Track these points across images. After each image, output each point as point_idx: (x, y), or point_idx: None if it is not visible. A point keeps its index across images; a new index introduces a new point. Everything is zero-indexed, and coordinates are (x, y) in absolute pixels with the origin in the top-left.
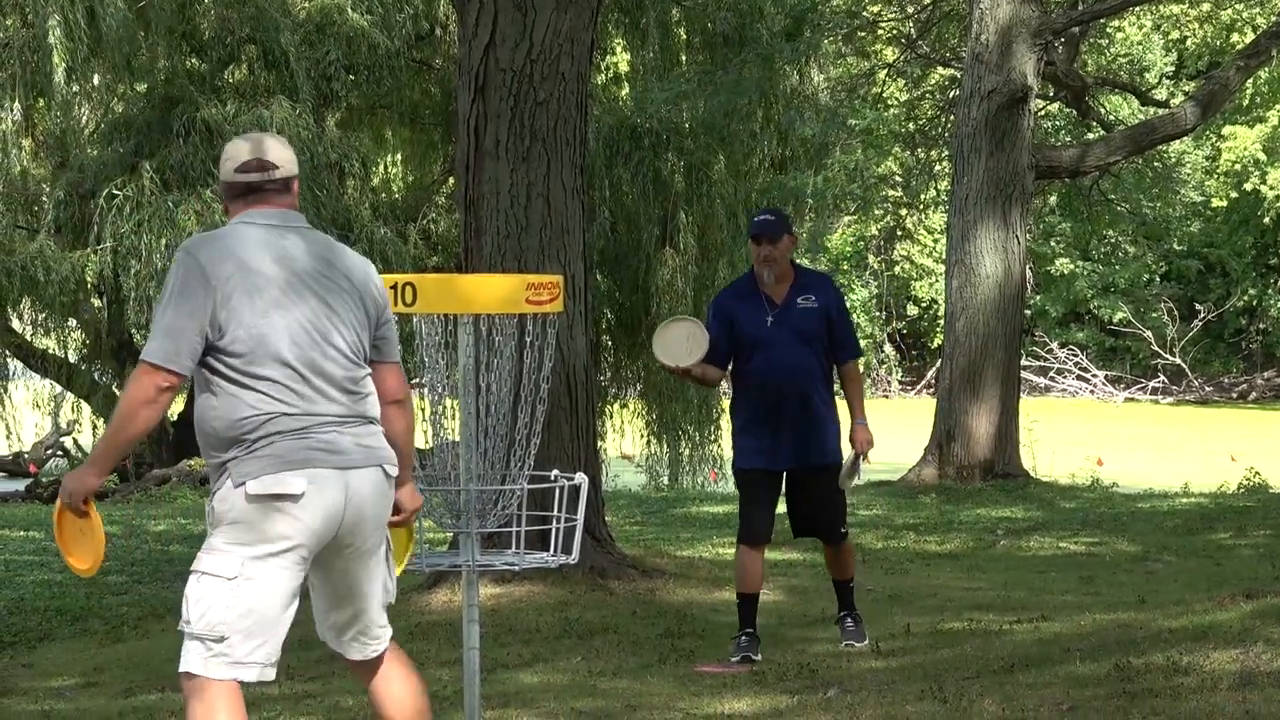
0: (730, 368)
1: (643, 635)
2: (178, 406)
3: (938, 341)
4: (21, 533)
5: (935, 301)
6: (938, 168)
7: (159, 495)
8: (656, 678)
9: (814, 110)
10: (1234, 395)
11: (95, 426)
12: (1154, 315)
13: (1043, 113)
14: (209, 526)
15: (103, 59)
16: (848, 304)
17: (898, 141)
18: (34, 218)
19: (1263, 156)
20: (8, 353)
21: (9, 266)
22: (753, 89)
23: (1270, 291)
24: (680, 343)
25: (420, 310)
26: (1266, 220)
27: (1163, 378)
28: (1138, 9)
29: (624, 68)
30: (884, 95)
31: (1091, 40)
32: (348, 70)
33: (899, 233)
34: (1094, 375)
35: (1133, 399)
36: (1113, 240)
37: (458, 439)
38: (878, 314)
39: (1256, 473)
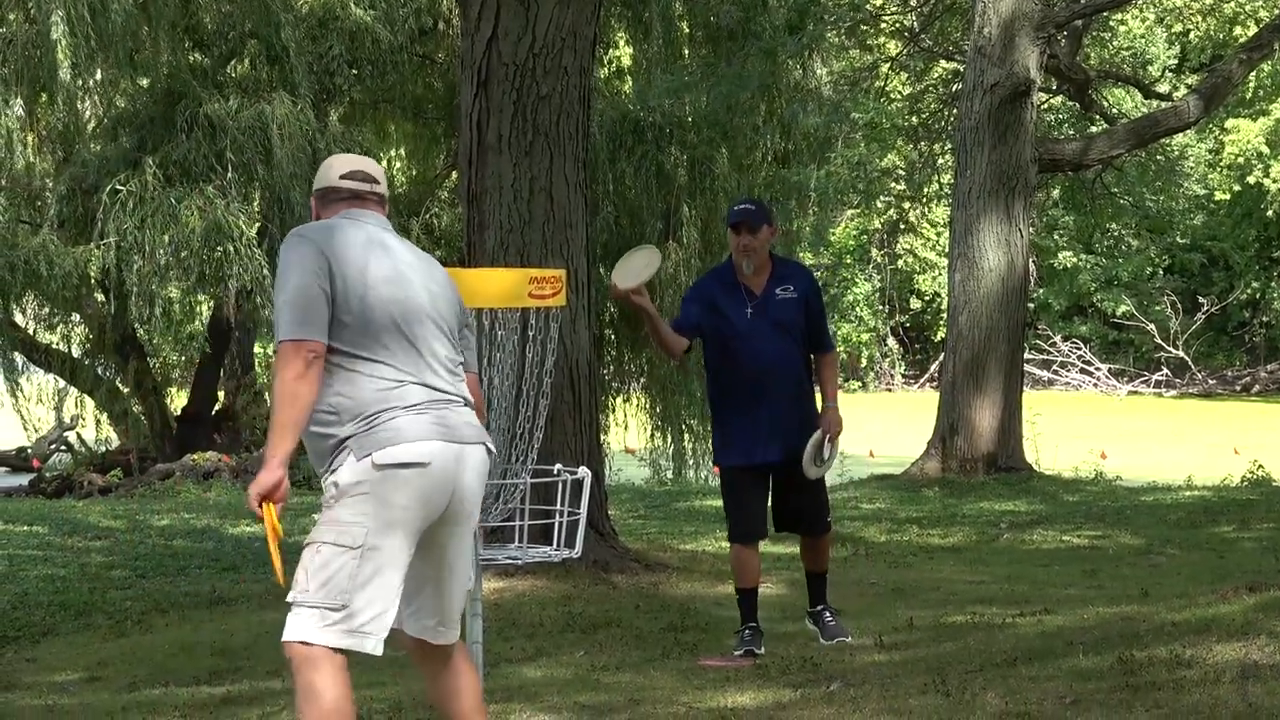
0: (707, 360)
1: (646, 629)
2: (180, 402)
3: (941, 335)
4: (25, 527)
5: (938, 295)
6: (941, 161)
7: (162, 490)
8: (660, 672)
9: (817, 104)
10: (1237, 388)
11: (99, 421)
12: (1157, 308)
13: (1046, 106)
14: (327, 504)
15: (106, 54)
16: (851, 298)
17: (901, 135)
18: (37, 212)
19: (1266, 149)
20: (11, 347)
21: (12, 261)
22: (755, 82)
23: (1273, 284)
24: (638, 270)
25: None
26: (1269, 213)
27: (1166, 371)
28: (1140, 2)
29: (627, 61)
30: (887, 89)
31: (1094, 33)
32: (350, 65)
33: (902, 226)
34: (1097, 368)
35: (1136, 392)
36: (1116, 233)
37: None
38: (881, 308)
39: (1260, 466)
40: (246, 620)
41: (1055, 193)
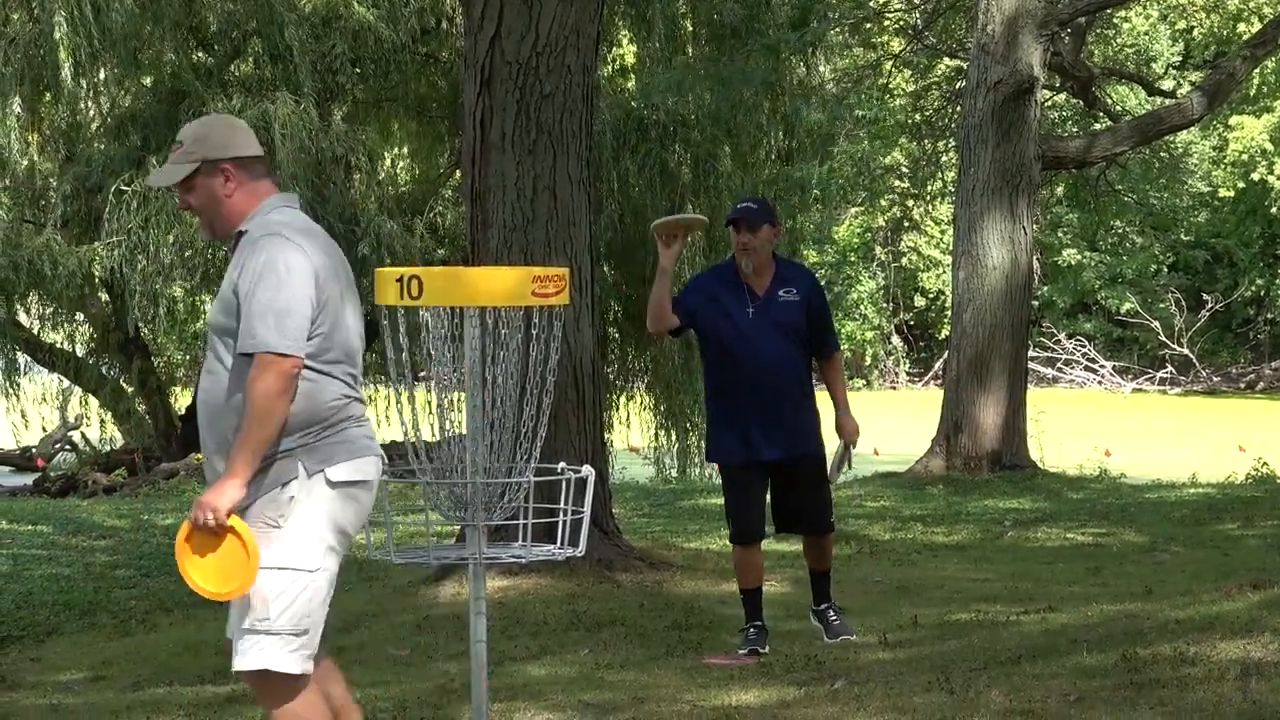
0: (706, 358)
1: (650, 627)
2: (184, 401)
3: (945, 333)
4: (30, 527)
5: (942, 293)
6: (944, 159)
7: (167, 489)
8: (664, 670)
9: (820, 101)
10: (1242, 385)
11: (103, 420)
12: (1161, 306)
13: (1049, 103)
14: (275, 521)
15: (109, 53)
16: (855, 296)
17: (904, 132)
18: (41, 212)
19: (1270, 146)
20: (15, 347)
21: (16, 261)
22: (758, 79)
23: (1278, 281)
24: (683, 220)
25: (426, 303)
26: (1274, 210)
27: (1170, 368)
28: None
29: (630, 60)
30: (890, 86)
31: (1098, 30)
32: (354, 64)
33: (906, 224)
34: (1101, 366)
35: (1140, 389)
36: (1120, 231)
37: (464, 432)
38: (885, 305)
39: (1264, 463)
40: None
41: (1059, 190)
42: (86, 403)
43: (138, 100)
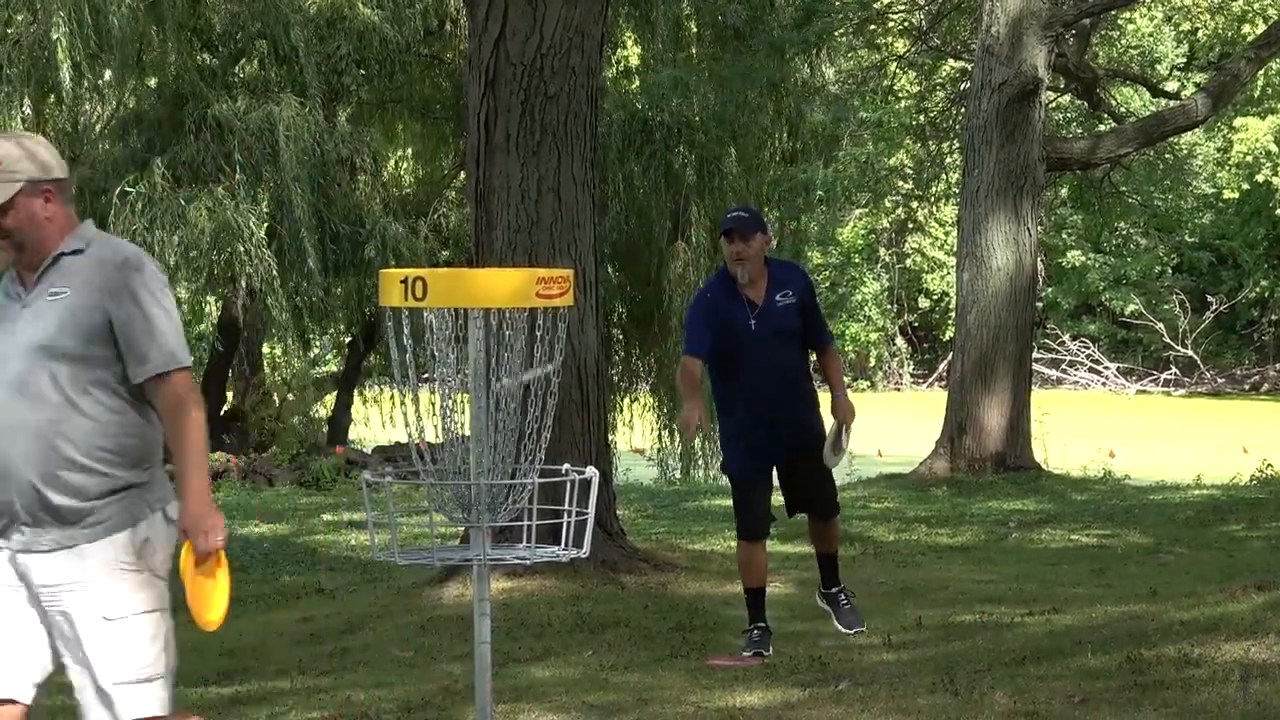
0: (711, 367)
1: (654, 629)
2: None
3: (949, 334)
4: None
5: (946, 294)
6: (949, 160)
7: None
8: (668, 671)
9: (824, 102)
10: (1246, 387)
11: None
12: (1166, 307)
13: (1054, 105)
14: (130, 565)
15: (111, 55)
16: (859, 298)
17: (908, 134)
18: None
19: (1274, 148)
20: None
21: None
22: (762, 79)
23: None
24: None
25: (431, 304)
26: (1278, 212)
27: (1175, 370)
28: (1148, 0)
29: (634, 61)
30: (895, 87)
31: (1102, 32)
32: (358, 65)
33: (910, 225)
34: (1106, 367)
35: (1144, 391)
36: (1124, 232)
37: (468, 433)
38: (889, 307)
39: (1269, 464)
40: (255, 620)
41: (1064, 191)
42: None
43: (142, 102)
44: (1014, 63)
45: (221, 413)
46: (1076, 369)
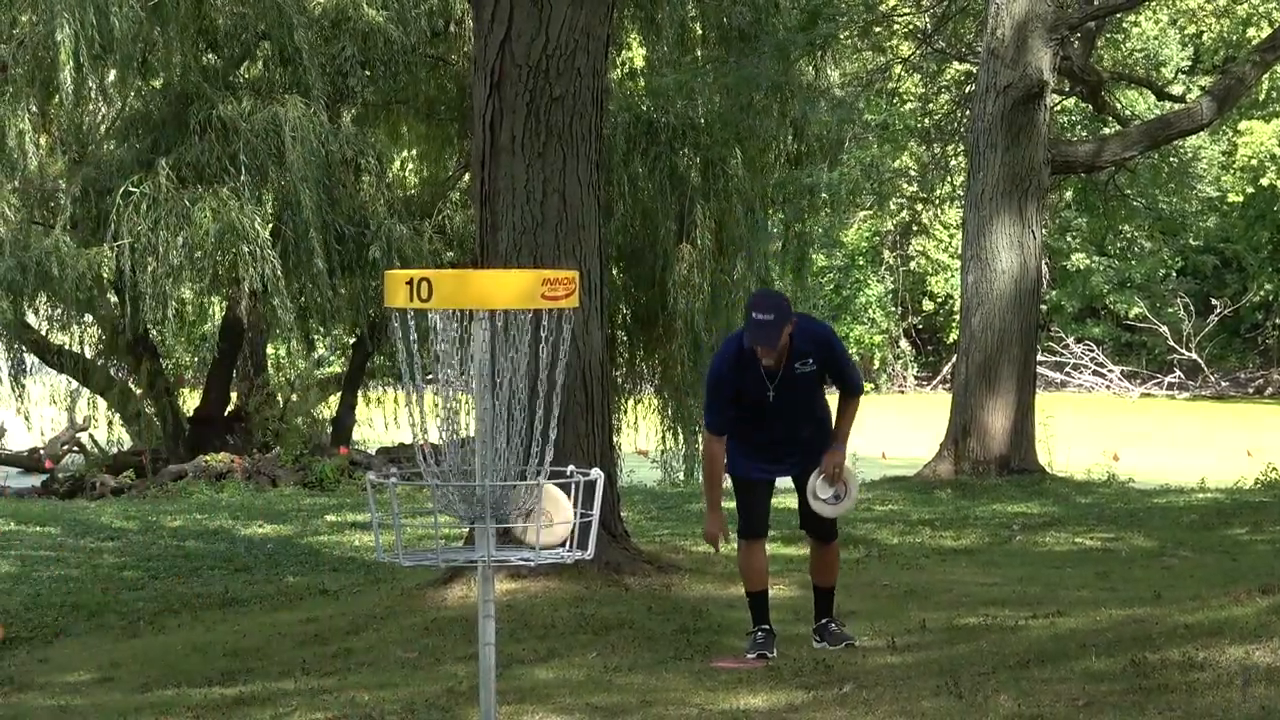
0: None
1: (658, 631)
2: (192, 403)
3: (953, 337)
4: (38, 528)
5: (951, 297)
6: (953, 163)
7: (175, 491)
8: (672, 673)
9: (828, 104)
10: (1250, 390)
11: (111, 422)
12: (1170, 310)
13: (1059, 108)
14: None
15: (116, 55)
16: (864, 300)
17: (913, 136)
18: (50, 213)
19: (1279, 152)
20: (24, 348)
21: (25, 262)
22: (767, 81)
23: None
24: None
25: (436, 306)
26: None
27: (1179, 373)
28: (1154, 3)
29: (639, 63)
30: (899, 90)
31: (1107, 35)
32: (363, 66)
33: (914, 228)
34: (1110, 370)
35: (1149, 394)
36: (1129, 235)
37: (473, 435)
38: (893, 309)
39: (1273, 468)
40: (259, 621)
41: (1068, 194)
42: (95, 404)
43: (147, 103)
44: (1019, 65)
45: (225, 413)
46: (1081, 372)
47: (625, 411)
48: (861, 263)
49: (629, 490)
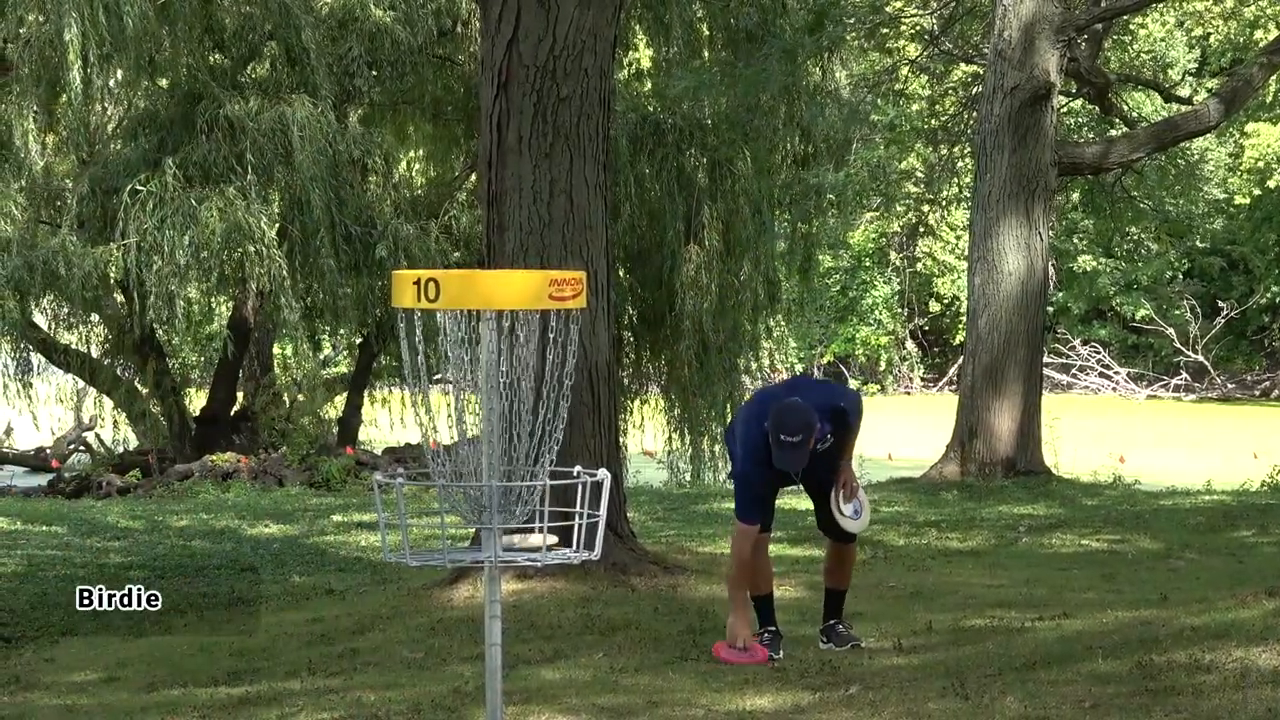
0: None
1: (664, 632)
2: (198, 402)
3: (960, 338)
4: (44, 527)
5: (957, 298)
6: (960, 164)
7: (181, 490)
8: (678, 674)
9: (836, 105)
10: (1257, 393)
11: (117, 421)
12: (1176, 312)
13: (1065, 109)
14: None
15: (124, 55)
16: (870, 301)
17: (920, 138)
18: (57, 213)
19: None
20: (30, 348)
21: (31, 261)
22: (774, 84)
23: None
24: None
25: (443, 306)
26: None
27: (1185, 375)
28: (1161, 5)
29: (646, 63)
30: (906, 91)
31: (1115, 37)
32: (370, 66)
33: (921, 229)
34: (1116, 372)
35: (1155, 396)
36: (1135, 237)
37: (480, 435)
38: (899, 310)
39: (1279, 470)
40: (265, 621)
41: (1075, 196)
42: (101, 404)
43: (154, 102)
44: (1026, 67)
45: (232, 413)
46: (1087, 374)
47: (631, 412)
48: (868, 264)
49: (635, 491)
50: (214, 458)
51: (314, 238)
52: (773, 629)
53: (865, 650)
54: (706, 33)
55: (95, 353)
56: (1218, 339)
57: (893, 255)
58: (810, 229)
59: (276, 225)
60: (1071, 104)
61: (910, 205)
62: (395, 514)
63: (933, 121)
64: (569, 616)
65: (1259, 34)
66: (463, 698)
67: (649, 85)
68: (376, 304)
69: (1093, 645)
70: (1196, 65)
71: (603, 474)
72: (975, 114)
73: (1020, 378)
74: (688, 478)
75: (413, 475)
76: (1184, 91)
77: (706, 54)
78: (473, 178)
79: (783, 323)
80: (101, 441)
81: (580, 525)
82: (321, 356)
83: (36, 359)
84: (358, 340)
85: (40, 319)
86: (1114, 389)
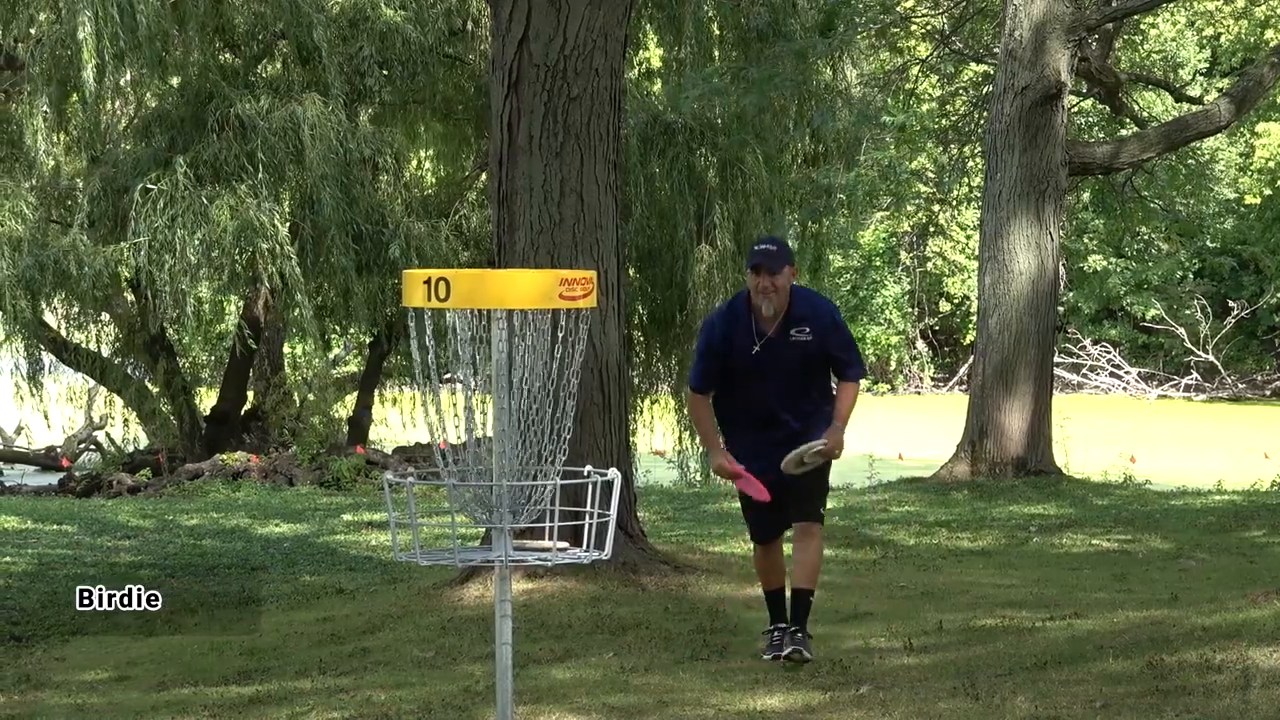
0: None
1: (675, 631)
2: (209, 401)
3: (970, 338)
4: (54, 526)
5: (968, 298)
6: (971, 164)
7: (191, 489)
8: (689, 673)
9: (847, 105)
10: (1267, 393)
11: (127, 420)
12: (1187, 312)
13: (1076, 109)
14: None
15: (137, 54)
16: (880, 301)
17: (931, 137)
18: (67, 212)
19: None
20: (41, 347)
21: (42, 260)
22: (786, 84)
23: None
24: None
25: (454, 305)
26: None
27: (1196, 375)
28: (1171, 5)
29: (657, 63)
30: (917, 91)
31: (1125, 36)
32: (381, 65)
33: (931, 229)
34: (1127, 372)
35: (1165, 396)
36: (1146, 237)
37: (490, 434)
38: (910, 310)
39: None
40: (275, 620)
41: (1085, 196)
42: (111, 403)
43: (165, 101)
44: (1037, 67)
45: (242, 412)
46: (1097, 373)
47: (641, 412)
48: (878, 263)
49: (645, 490)
50: (224, 457)
51: (325, 237)
52: (783, 626)
53: (876, 650)
54: (717, 32)
55: (106, 352)
56: (1228, 339)
57: (903, 255)
58: (821, 228)
59: (287, 224)
60: (1082, 104)
61: (921, 205)
62: (406, 513)
63: (943, 121)
64: (579, 616)
65: (1270, 34)
66: (473, 697)
67: (659, 85)
68: (387, 303)
69: (1103, 645)
70: (1207, 65)
71: (613, 473)
72: (986, 114)
73: (1031, 377)
74: (698, 477)
75: (423, 475)
76: (1195, 91)
77: (717, 54)
78: (483, 177)
79: None
80: (112, 440)
81: (590, 525)
82: (332, 355)
83: (47, 358)
84: (368, 339)
85: (51, 318)
86: (1124, 389)
